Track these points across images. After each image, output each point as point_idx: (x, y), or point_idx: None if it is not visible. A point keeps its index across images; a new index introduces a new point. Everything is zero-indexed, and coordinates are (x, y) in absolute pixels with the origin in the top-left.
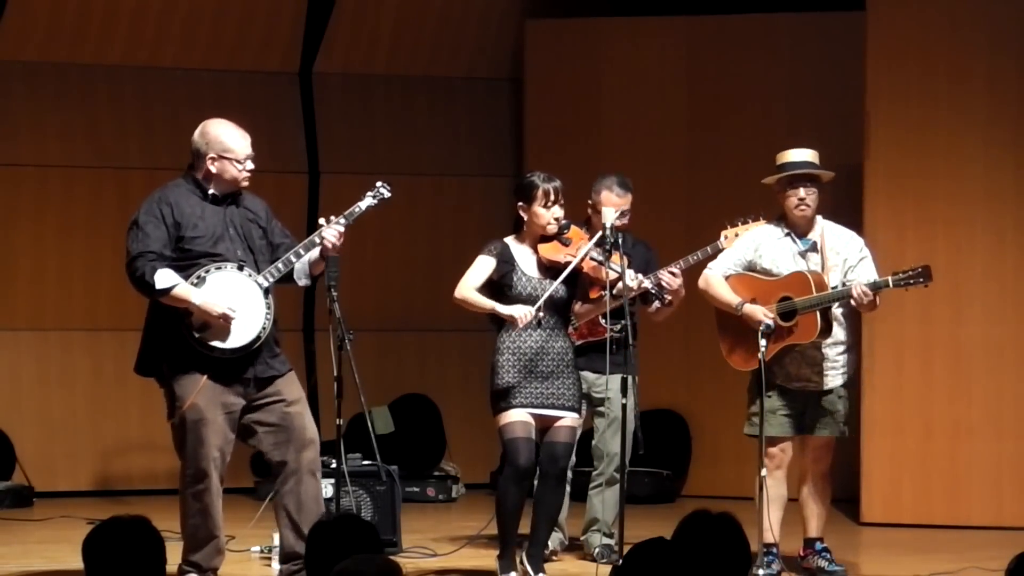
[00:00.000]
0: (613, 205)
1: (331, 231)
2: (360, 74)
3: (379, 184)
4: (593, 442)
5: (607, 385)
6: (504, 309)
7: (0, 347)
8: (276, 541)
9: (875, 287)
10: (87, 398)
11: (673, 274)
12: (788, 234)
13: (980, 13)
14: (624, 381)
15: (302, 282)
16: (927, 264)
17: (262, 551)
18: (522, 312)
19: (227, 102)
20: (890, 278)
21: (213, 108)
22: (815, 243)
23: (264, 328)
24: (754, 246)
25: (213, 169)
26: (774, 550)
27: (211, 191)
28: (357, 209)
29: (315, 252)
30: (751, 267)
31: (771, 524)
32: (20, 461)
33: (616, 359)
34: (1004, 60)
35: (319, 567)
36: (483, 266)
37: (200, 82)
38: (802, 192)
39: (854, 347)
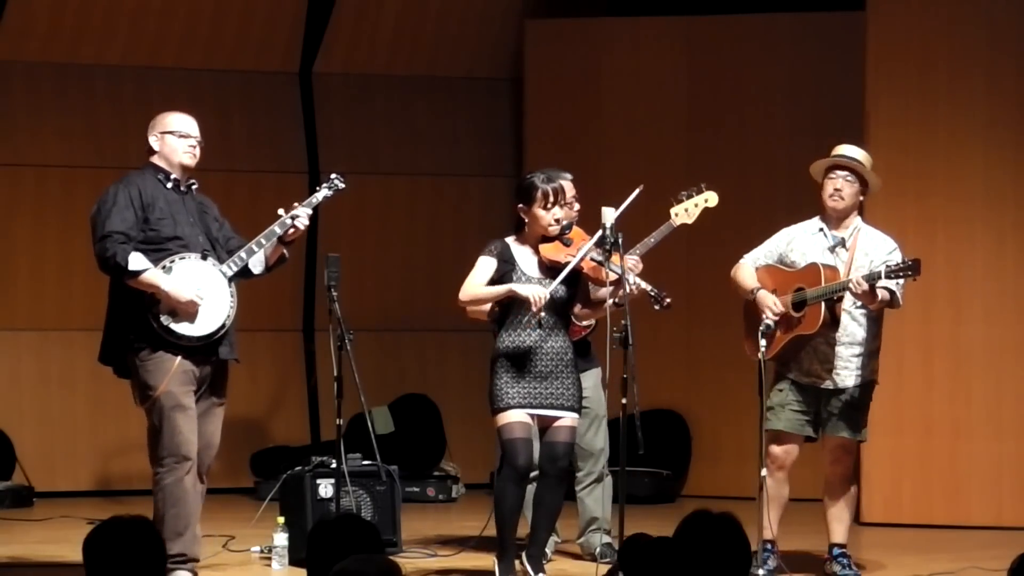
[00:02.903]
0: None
1: (302, 215)
2: (360, 74)
3: (333, 176)
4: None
5: (589, 382)
6: (522, 289)
7: (0, 347)
8: (276, 541)
9: (869, 278)
10: (87, 398)
11: (637, 261)
12: (821, 229)
13: (980, 13)
14: (623, 381)
15: (257, 270)
16: (918, 258)
17: (262, 551)
18: (538, 293)
19: (227, 102)
20: (882, 269)
21: (213, 108)
22: (843, 239)
23: (229, 316)
24: (788, 239)
25: (157, 147)
26: (769, 547)
27: (172, 175)
28: (315, 199)
29: (274, 240)
30: (781, 260)
31: (770, 522)
32: (20, 461)
33: (591, 356)
34: (1004, 60)
35: (320, 567)
36: (485, 267)
37: (200, 82)
38: (839, 182)
39: (875, 352)
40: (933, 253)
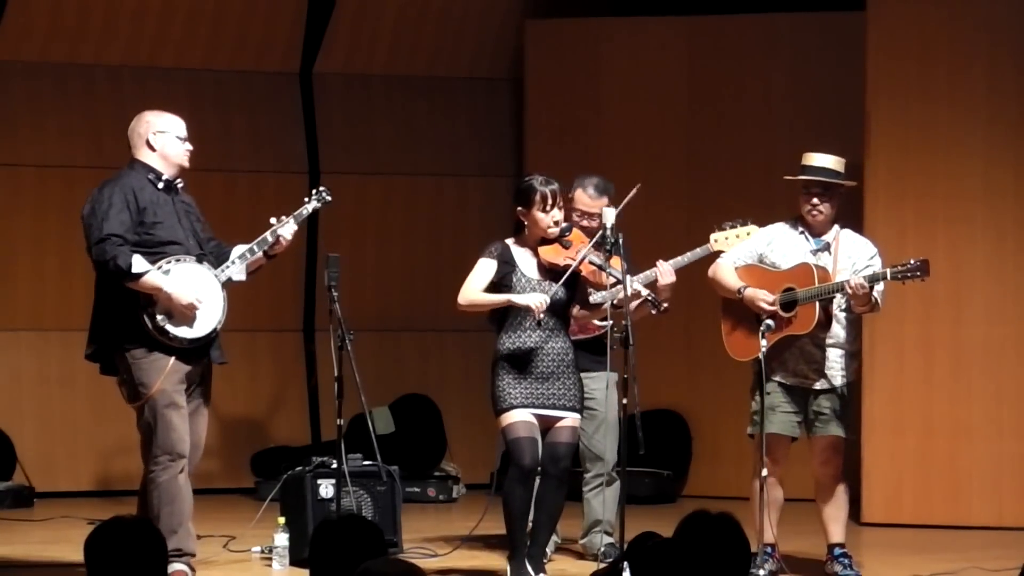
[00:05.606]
0: (584, 206)
1: (289, 230)
2: (360, 74)
3: (321, 188)
4: (581, 443)
5: (599, 384)
6: (520, 298)
7: (0, 347)
8: (276, 541)
9: (872, 279)
10: (87, 398)
11: (670, 270)
12: (802, 233)
13: (980, 13)
14: (625, 381)
15: (238, 278)
16: (926, 258)
17: (262, 551)
18: (538, 300)
19: (227, 102)
20: (888, 270)
21: (213, 108)
22: (828, 244)
23: (220, 321)
24: (767, 239)
25: (156, 146)
26: (768, 549)
27: (163, 176)
28: (304, 211)
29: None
30: (761, 260)
31: (771, 524)
32: (20, 461)
33: (604, 358)
34: (1004, 60)
35: (324, 567)
36: (485, 269)
37: (200, 82)
38: (815, 199)
39: (857, 354)
40: (933, 252)
